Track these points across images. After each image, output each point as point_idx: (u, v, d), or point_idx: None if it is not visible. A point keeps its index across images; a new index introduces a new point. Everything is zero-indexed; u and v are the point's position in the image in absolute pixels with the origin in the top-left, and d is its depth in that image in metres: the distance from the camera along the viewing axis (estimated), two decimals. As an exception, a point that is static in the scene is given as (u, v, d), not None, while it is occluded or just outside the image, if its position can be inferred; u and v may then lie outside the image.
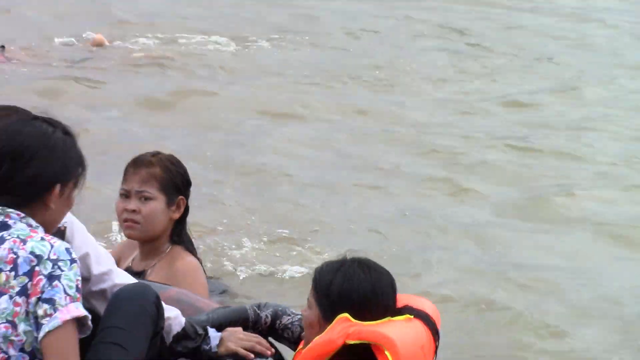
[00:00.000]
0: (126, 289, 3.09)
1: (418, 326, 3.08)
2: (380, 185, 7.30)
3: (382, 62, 11.57)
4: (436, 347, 3.13)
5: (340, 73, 10.87)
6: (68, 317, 2.75)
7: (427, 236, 6.34)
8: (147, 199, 3.90)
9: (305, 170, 7.52)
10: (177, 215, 3.99)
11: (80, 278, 2.83)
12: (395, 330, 3.00)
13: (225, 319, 3.44)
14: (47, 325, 2.73)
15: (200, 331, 3.32)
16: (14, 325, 2.76)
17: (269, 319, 3.48)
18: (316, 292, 3.14)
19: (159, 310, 3.10)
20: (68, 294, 2.77)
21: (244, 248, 5.83)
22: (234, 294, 4.92)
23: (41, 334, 2.74)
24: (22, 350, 2.77)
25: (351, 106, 9.50)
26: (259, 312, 3.49)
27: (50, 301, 2.75)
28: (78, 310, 2.78)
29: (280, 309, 3.55)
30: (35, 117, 2.98)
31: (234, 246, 5.84)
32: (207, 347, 3.33)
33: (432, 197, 7.10)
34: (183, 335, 3.28)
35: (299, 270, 5.46)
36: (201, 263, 4.10)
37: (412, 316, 3.10)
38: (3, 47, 10.08)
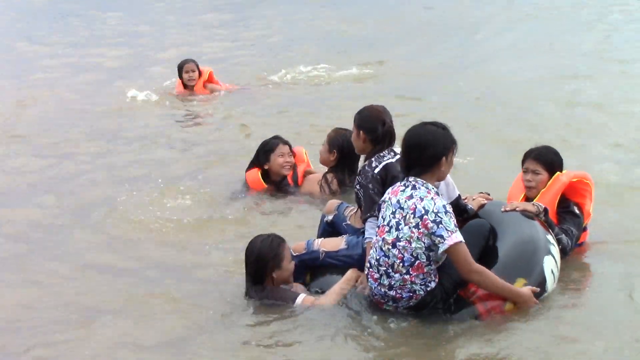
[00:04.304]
0: (473, 223, 5.68)
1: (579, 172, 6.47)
2: None
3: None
4: None
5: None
6: (451, 242, 5.27)
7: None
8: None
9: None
10: (334, 158, 7.52)
11: (454, 220, 5.26)
12: (579, 172, 6.39)
13: None
14: (441, 247, 5.27)
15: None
16: (409, 242, 5.37)
17: None
18: (539, 163, 6.32)
19: (490, 235, 5.61)
20: (448, 230, 5.26)
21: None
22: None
23: (439, 251, 5.27)
24: (410, 254, 5.36)
25: None
26: None
27: (440, 236, 5.28)
28: (456, 238, 5.25)
29: None
30: (425, 122, 5.41)
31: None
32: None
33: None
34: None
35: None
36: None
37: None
38: None
